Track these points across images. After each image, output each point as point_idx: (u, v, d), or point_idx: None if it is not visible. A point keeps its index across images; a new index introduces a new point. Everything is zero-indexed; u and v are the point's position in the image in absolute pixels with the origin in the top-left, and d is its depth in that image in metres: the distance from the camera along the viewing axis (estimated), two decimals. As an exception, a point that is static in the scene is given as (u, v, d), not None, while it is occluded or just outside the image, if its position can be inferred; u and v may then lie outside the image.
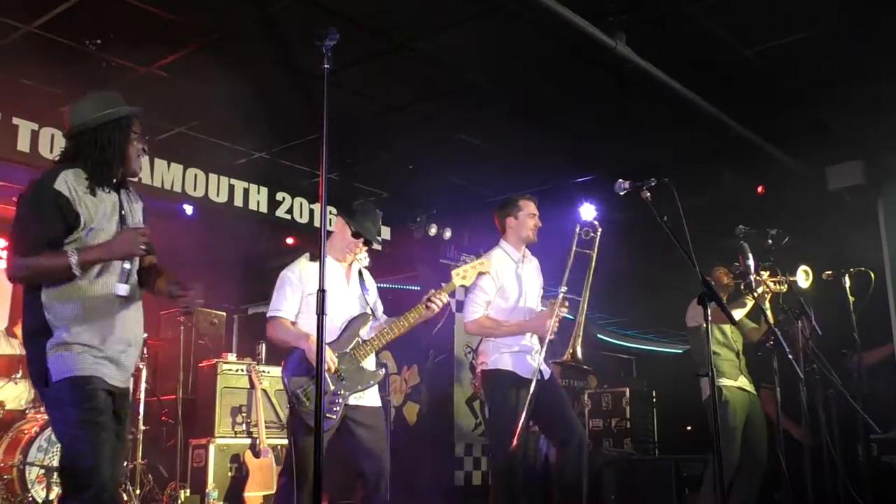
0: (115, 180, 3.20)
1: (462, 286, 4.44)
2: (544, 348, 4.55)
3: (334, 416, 3.98)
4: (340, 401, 4.00)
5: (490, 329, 4.69)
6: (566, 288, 4.60)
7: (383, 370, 4.27)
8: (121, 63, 5.75)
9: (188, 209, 7.69)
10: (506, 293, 4.73)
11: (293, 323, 4.16)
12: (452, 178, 8.24)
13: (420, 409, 9.23)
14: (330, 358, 3.97)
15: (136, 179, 3.35)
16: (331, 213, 8.03)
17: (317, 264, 4.14)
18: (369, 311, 4.28)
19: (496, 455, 4.58)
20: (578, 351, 4.52)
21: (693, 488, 6.54)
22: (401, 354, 9.53)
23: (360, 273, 4.42)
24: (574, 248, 4.72)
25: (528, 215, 4.88)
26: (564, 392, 4.81)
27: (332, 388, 3.99)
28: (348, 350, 4.11)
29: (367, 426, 4.08)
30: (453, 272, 4.36)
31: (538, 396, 4.44)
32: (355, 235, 4.28)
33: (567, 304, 4.58)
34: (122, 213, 3.18)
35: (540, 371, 4.51)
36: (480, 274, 4.49)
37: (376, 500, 4.03)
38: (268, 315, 4.23)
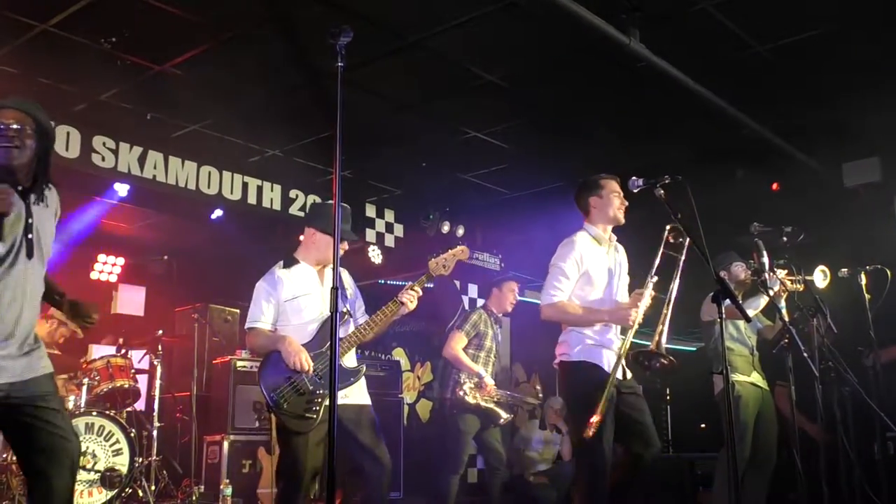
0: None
1: (440, 275, 4.29)
2: (627, 347, 4.22)
3: (314, 416, 3.92)
4: (319, 400, 3.94)
5: (570, 315, 4.31)
6: (656, 278, 4.28)
7: (364, 367, 4.20)
8: (135, 61, 5.78)
9: (218, 213, 7.72)
10: (591, 279, 4.36)
11: (272, 331, 4.14)
12: (465, 176, 8.24)
13: (433, 407, 9.24)
14: (305, 358, 3.93)
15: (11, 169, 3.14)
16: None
17: (291, 271, 4.18)
18: (345, 310, 4.16)
19: (583, 454, 4.24)
20: (663, 341, 4.19)
21: (707, 486, 6.52)
22: (414, 352, 9.55)
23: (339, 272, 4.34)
24: (661, 249, 4.33)
25: (612, 193, 4.46)
26: (644, 400, 4.44)
27: (311, 388, 3.95)
28: (324, 349, 4.02)
29: (357, 423, 4.01)
30: (431, 262, 4.25)
31: (618, 399, 4.19)
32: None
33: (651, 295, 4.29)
34: (30, 220, 3.13)
35: (623, 371, 4.25)
36: (460, 262, 4.35)
37: (378, 497, 3.99)
38: (246, 327, 4.22)
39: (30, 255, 3.13)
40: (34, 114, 3.21)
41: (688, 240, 4.24)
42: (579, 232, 4.47)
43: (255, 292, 4.21)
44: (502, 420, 5.96)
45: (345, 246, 4.24)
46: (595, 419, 3.96)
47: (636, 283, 4.50)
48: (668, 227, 4.31)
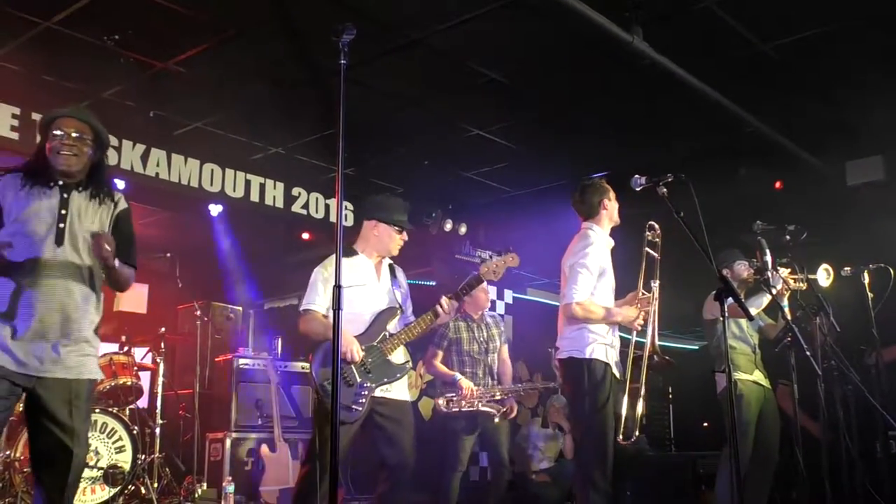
0: (51, 179, 3.37)
1: (489, 280, 4.40)
2: (633, 349, 4.49)
3: (360, 408, 3.99)
4: (366, 393, 4.01)
5: (592, 315, 4.38)
6: (658, 282, 4.50)
7: (410, 364, 4.27)
8: (139, 58, 5.78)
9: (216, 209, 7.73)
10: (607, 279, 4.49)
11: (325, 316, 4.19)
12: (468, 174, 8.23)
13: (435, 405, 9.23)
14: (356, 350, 4.01)
15: (70, 174, 3.39)
16: (347, 211, 8.05)
17: (350, 260, 4.22)
18: (398, 305, 4.29)
19: (588, 449, 4.38)
20: (657, 340, 4.44)
21: (709, 484, 6.52)
22: (416, 350, 9.53)
23: (392, 269, 4.44)
24: (645, 249, 4.57)
25: (615, 198, 4.66)
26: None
27: (359, 380, 4.01)
28: (375, 343, 4.13)
29: (393, 419, 4.08)
30: (482, 266, 4.37)
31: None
32: (397, 231, 4.33)
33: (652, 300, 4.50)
34: (63, 212, 3.32)
35: (622, 371, 4.49)
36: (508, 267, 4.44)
37: (397, 492, 4.03)
38: (301, 309, 4.26)
39: (58, 242, 3.27)
40: (92, 123, 3.45)
41: (659, 239, 4.54)
42: (590, 231, 4.56)
43: (312, 277, 4.27)
44: (497, 418, 5.95)
45: (404, 237, 4.37)
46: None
47: (628, 284, 4.61)
48: (647, 226, 4.56)
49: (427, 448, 6.20)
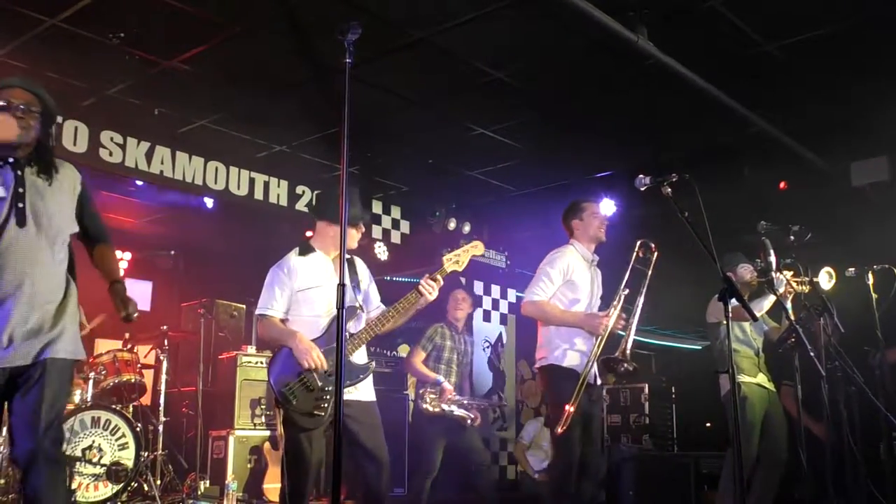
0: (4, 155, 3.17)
1: (454, 271, 4.27)
2: (598, 352, 4.64)
3: (323, 413, 3.89)
4: (328, 397, 3.89)
5: (548, 314, 4.77)
6: (627, 290, 4.73)
7: (374, 363, 4.17)
8: (143, 56, 5.79)
9: (209, 202, 7.74)
10: (576, 288, 4.82)
11: (283, 321, 4.09)
12: (472, 173, 8.23)
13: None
14: (317, 356, 3.90)
15: (14, 147, 3.18)
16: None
17: (306, 259, 4.12)
18: (357, 305, 4.13)
19: (558, 450, 4.75)
20: (628, 349, 4.65)
21: (712, 485, 6.51)
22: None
23: (351, 263, 4.27)
24: (631, 263, 4.79)
25: (591, 215, 4.97)
26: (599, 409, 4.96)
27: (320, 384, 3.91)
28: (334, 345, 3.83)
29: (360, 421, 3.97)
30: (444, 257, 4.22)
31: (584, 399, 4.60)
32: (352, 226, 4.15)
33: (624, 314, 4.73)
34: (20, 190, 3.13)
35: (594, 375, 4.69)
36: (475, 257, 4.41)
37: (378, 494, 3.96)
38: (256, 313, 4.15)
39: (20, 223, 3.10)
40: (41, 95, 3.25)
41: (655, 255, 4.80)
42: (569, 245, 4.95)
43: (267, 277, 4.13)
44: (469, 421, 6.17)
45: (361, 230, 4.25)
46: (569, 408, 4.45)
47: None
48: (638, 243, 4.83)
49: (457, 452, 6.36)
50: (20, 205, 3.10)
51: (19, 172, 3.16)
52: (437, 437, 6.12)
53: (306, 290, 4.08)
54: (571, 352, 4.72)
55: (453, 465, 6.25)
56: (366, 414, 4.02)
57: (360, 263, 4.34)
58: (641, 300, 4.77)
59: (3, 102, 3.15)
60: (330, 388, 3.90)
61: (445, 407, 6.06)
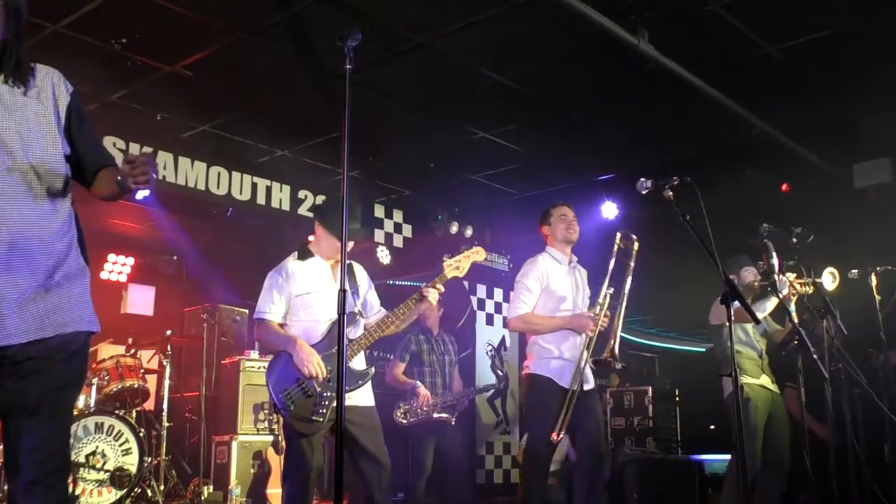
0: None
1: (455, 276, 4.28)
2: (588, 356, 4.64)
3: (321, 419, 3.89)
4: (326, 402, 3.90)
5: (533, 324, 4.79)
6: (612, 289, 4.70)
7: (373, 369, 4.15)
8: (146, 62, 5.80)
9: (212, 207, 7.74)
10: (554, 293, 4.82)
11: (281, 325, 4.09)
12: (474, 177, 8.24)
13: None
14: (317, 363, 3.90)
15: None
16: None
17: (305, 263, 4.12)
18: (356, 311, 4.13)
19: (527, 453, 4.80)
20: (616, 349, 4.64)
21: (716, 488, 6.50)
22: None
23: (352, 268, 4.26)
24: (614, 256, 4.79)
25: (557, 218, 4.97)
26: (600, 409, 4.91)
27: (318, 389, 3.91)
28: (333, 351, 3.94)
29: (360, 426, 3.96)
30: (445, 263, 4.24)
31: (575, 407, 4.57)
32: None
33: (608, 311, 4.70)
34: None
35: (582, 382, 4.64)
36: (474, 263, 4.42)
37: (379, 499, 3.96)
38: (254, 317, 4.16)
39: None
40: None
41: (636, 245, 4.79)
42: (542, 253, 4.96)
43: (266, 282, 4.14)
44: (453, 422, 6.33)
45: (359, 244, 4.30)
46: (554, 438, 4.50)
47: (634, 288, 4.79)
48: (618, 235, 4.84)
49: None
50: None
51: None
52: (424, 438, 6.25)
53: (304, 295, 4.08)
54: (554, 360, 4.70)
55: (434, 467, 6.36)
56: (365, 418, 4.02)
57: (359, 269, 4.34)
58: (626, 293, 4.75)
59: None
60: (328, 394, 3.90)
61: (421, 413, 6.21)
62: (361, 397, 4.07)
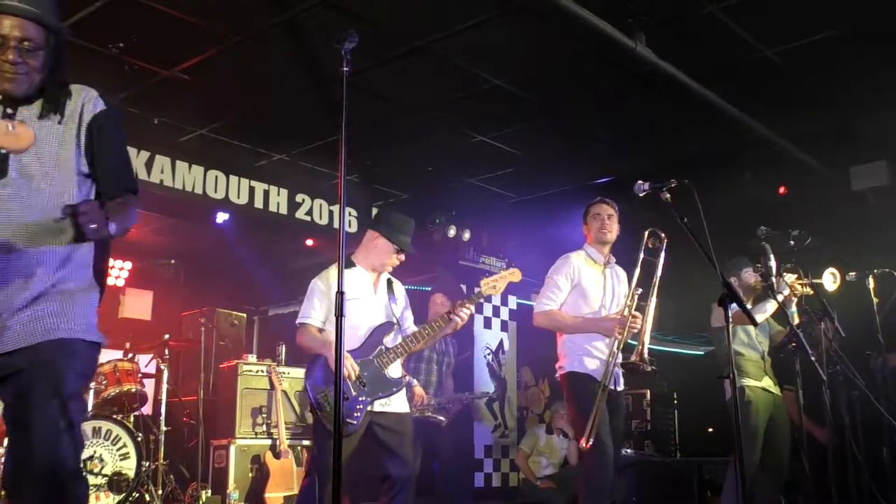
0: None
1: (490, 295, 4.43)
2: (618, 357, 4.57)
3: (355, 422, 4.02)
4: (361, 406, 4.04)
5: (560, 323, 4.72)
6: (640, 290, 4.60)
7: (407, 378, 4.30)
8: (143, 66, 5.80)
9: (222, 217, 7.73)
10: (585, 292, 4.74)
11: (321, 330, 4.23)
12: (471, 180, 8.24)
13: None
14: (350, 365, 4.04)
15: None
16: (351, 217, 8.08)
17: (348, 272, 4.21)
18: (394, 321, 4.32)
19: (588, 454, 4.54)
20: (646, 352, 4.53)
21: (714, 490, 6.50)
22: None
23: (390, 283, 4.47)
24: (641, 255, 4.67)
25: (592, 217, 4.89)
26: (624, 409, 4.91)
27: (354, 393, 4.04)
28: (371, 357, 4.16)
29: (393, 431, 4.12)
30: (482, 281, 4.38)
31: (605, 407, 4.54)
32: (396, 250, 4.35)
33: (638, 312, 4.59)
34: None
35: (614, 380, 4.62)
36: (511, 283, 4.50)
37: (402, 502, 4.05)
38: (297, 322, 4.31)
39: (1, 173, 2.35)
40: (43, 18, 2.48)
41: (664, 244, 4.63)
42: (578, 250, 4.86)
43: (309, 289, 4.30)
44: (444, 423, 6.31)
45: (401, 257, 4.40)
46: (585, 442, 4.36)
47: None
48: (647, 232, 4.68)
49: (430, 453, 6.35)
50: (2, 151, 2.28)
51: (9, 110, 2.42)
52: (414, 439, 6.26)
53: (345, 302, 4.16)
54: (590, 358, 4.62)
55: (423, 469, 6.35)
56: (400, 424, 4.18)
57: (398, 286, 4.52)
58: (654, 294, 4.61)
59: None
60: (363, 399, 4.06)
61: (416, 414, 6.09)
62: (396, 404, 4.23)
